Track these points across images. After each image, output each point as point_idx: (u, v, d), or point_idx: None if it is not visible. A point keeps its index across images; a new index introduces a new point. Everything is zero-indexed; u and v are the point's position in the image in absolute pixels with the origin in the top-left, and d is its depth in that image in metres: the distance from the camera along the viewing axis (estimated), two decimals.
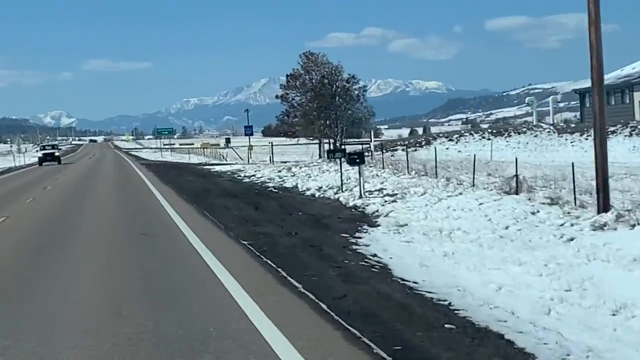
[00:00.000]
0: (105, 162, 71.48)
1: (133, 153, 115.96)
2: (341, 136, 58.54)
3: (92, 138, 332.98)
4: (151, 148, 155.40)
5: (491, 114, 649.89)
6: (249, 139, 72.13)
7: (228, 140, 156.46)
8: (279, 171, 36.98)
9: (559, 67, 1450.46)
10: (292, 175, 33.85)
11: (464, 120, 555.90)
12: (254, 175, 36.96)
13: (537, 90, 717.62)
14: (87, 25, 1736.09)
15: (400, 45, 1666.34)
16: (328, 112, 58.85)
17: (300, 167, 37.90)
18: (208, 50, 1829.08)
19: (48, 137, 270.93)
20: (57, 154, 74.21)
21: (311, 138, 63.99)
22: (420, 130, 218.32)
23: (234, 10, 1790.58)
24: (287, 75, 64.06)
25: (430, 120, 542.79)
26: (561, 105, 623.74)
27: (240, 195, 25.84)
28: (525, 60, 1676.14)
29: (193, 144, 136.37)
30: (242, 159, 72.01)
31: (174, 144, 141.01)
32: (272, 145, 62.94)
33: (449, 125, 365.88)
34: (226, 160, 72.83)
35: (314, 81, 60.92)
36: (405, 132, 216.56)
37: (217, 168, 50.70)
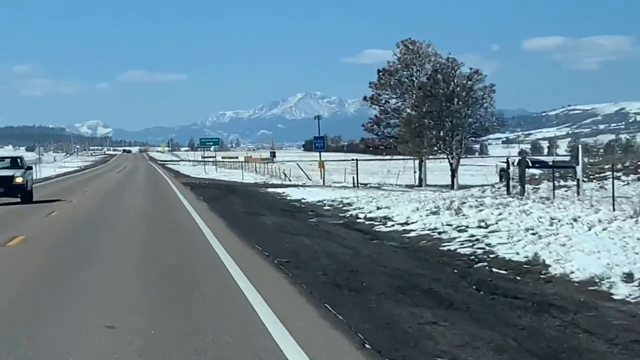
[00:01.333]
0: (136, 179, 55.35)
1: (170, 166, 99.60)
2: (460, 152, 41.46)
3: (127, 148, 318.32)
4: (190, 161, 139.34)
5: (530, 134, 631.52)
6: (320, 154, 55.17)
7: (273, 155, 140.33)
8: (443, 212, 19.87)
9: (597, 88, 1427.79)
10: (491, 229, 16.88)
11: (504, 139, 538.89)
12: (405, 224, 19.33)
13: (576, 112, 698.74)
14: (123, 36, 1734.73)
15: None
16: (442, 118, 41.76)
17: (477, 207, 20.35)
18: (244, 64, 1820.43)
19: (77, 147, 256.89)
20: (17, 179, 29.61)
21: (412, 153, 46.84)
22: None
23: (270, 24, 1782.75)
24: (379, 71, 47.46)
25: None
26: (601, 127, 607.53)
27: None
28: (562, 81, 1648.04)
29: (237, 157, 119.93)
30: (310, 179, 55.19)
31: (214, 157, 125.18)
32: (357, 163, 46.05)
33: (488, 144, 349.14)
34: (289, 180, 56.12)
35: (417, 78, 44.03)
36: None
37: (292, 194, 33.95)
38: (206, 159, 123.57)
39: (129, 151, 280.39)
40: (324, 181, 48.02)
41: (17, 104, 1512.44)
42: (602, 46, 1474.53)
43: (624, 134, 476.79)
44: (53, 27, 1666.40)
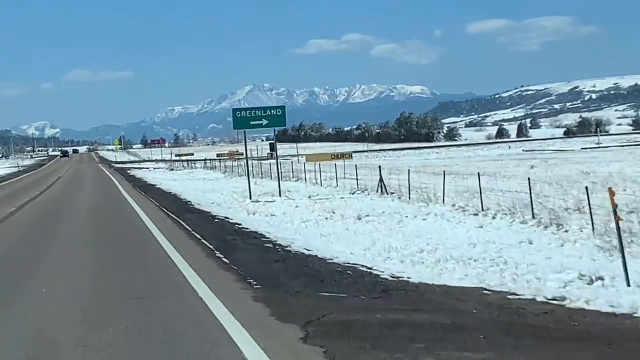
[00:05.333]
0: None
1: (137, 175, 57.92)
2: None
3: (66, 149, 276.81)
4: (153, 161, 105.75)
5: (486, 116, 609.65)
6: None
7: (273, 147, 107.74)
8: None
9: (547, 68, 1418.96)
10: None
11: (467, 123, 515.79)
12: None
13: (529, 92, 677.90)
14: (64, 35, 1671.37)
15: (381, 50, 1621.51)
16: None
17: None
18: (191, 58, 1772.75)
19: (18, 147, 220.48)
20: None
21: None
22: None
23: (215, 16, 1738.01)
24: None
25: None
26: (556, 106, 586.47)
27: None
28: (510, 63, 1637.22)
29: (234, 153, 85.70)
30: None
31: (192, 154, 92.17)
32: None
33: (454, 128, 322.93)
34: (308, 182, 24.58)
35: None
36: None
37: None
38: (180, 158, 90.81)
39: (76, 151, 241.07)
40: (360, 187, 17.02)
41: None
42: (544, 27, 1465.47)
43: (584, 112, 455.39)
44: None
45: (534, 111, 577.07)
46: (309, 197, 26.49)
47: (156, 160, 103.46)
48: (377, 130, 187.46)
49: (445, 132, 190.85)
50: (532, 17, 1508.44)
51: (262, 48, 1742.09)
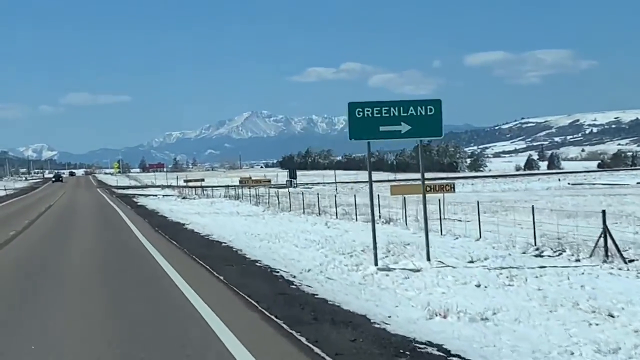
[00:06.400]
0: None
1: (149, 206, 44.37)
2: None
3: (71, 171, 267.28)
4: (158, 186, 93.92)
5: (486, 147, 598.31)
6: None
7: (293, 174, 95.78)
8: None
9: (546, 101, 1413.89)
10: None
11: (470, 153, 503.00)
12: None
13: (530, 124, 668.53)
14: (63, 58, 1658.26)
15: (380, 79, 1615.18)
16: None
17: None
18: (189, 84, 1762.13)
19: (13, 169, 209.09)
20: None
21: None
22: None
23: (215, 43, 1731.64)
24: None
25: None
26: (557, 139, 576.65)
27: None
28: (509, 95, 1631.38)
29: (251, 179, 73.29)
30: None
31: (202, 180, 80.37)
32: None
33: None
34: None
35: None
36: None
37: None
38: (189, 184, 78.97)
39: (72, 174, 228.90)
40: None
41: None
42: (543, 60, 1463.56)
43: (586, 146, 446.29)
44: None
45: (534, 143, 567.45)
46: (471, 261, 15.14)
47: (162, 186, 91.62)
48: (393, 159, 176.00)
49: (469, 161, 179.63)
50: (530, 50, 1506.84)
51: (260, 75, 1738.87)
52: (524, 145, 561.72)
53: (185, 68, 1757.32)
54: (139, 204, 47.61)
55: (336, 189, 67.21)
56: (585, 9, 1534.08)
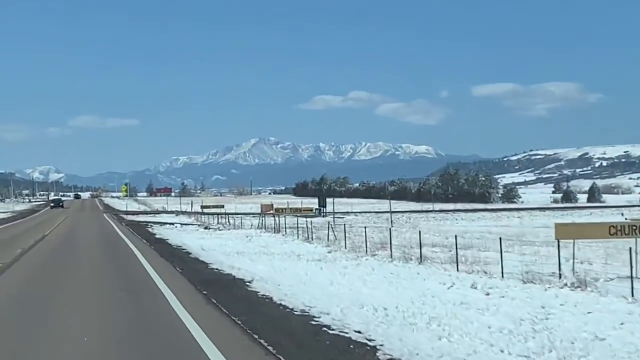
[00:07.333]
0: None
1: (170, 240, 34.24)
2: None
3: (77, 193, 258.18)
4: (170, 212, 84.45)
5: (495, 179, 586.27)
6: None
7: (322, 202, 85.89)
8: None
9: (554, 133, 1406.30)
10: None
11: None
12: None
13: (539, 157, 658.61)
14: (72, 80, 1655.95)
15: (388, 108, 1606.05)
16: None
17: None
18: (197, 109, 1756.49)
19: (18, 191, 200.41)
20: None
21: None
22: None
23: (224, 69, 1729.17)
24: None
25: None
26: (566, 172, 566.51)
27: None
28: (516, 127, 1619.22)
29: (289, 208, 63.91)
30: None
31: (222, 206, 71.00)
32: None
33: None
34: None
35: None
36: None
37: None
38: (205, 210, 69.68)
39: (78, 196, 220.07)
40: None
41: None
42: (551, 92, 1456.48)
43: (597, 179, 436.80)
44: None
45: (544, 176, 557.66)
46: None
47: (176, 212, 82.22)
48: (416, 187, 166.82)
49: (502, 192, 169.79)
50: (538, 83, 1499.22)
51: (268, 102, 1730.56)
52: (534, 177, 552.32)
53: (193, 94, 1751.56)
54: (156, 236, 38.18)
55: (391, 222, 57.89)
56: (591, 42, 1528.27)
